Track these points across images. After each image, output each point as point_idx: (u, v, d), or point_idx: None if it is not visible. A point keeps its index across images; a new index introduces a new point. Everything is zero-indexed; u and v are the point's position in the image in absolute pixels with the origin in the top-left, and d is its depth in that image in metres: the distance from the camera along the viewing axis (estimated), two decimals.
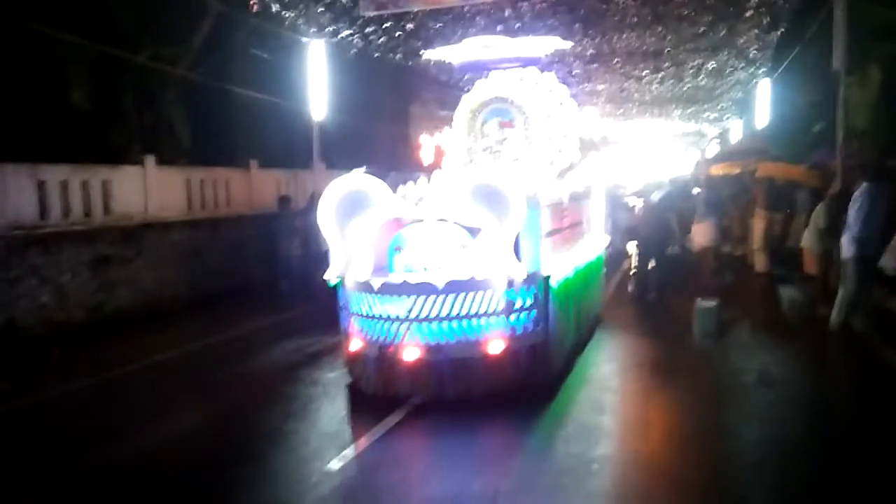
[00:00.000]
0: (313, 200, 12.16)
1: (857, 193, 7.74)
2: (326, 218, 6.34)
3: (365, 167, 6.82)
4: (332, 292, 6.77)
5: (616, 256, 12.82)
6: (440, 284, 5.87)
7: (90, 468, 5.09)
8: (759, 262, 12.92)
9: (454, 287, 5.90)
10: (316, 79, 13.20)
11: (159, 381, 7.44)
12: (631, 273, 11.96)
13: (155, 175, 11.64)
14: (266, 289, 11.64)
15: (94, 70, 12.08)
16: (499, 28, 13.18)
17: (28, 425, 6.18)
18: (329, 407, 6.25)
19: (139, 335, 9.57)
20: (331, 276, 6.46)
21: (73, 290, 9.85)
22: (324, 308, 9.06)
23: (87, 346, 9.08)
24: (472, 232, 6.21)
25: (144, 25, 12.22)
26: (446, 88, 20.98)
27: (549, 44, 8.53)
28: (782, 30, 14.99)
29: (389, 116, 21.95)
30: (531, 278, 6.11)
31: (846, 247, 7.58)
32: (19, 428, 6.12)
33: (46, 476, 4.99)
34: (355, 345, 6.37)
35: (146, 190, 11.44)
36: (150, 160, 11.60)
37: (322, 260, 10.18)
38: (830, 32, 11.43)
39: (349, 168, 6.56)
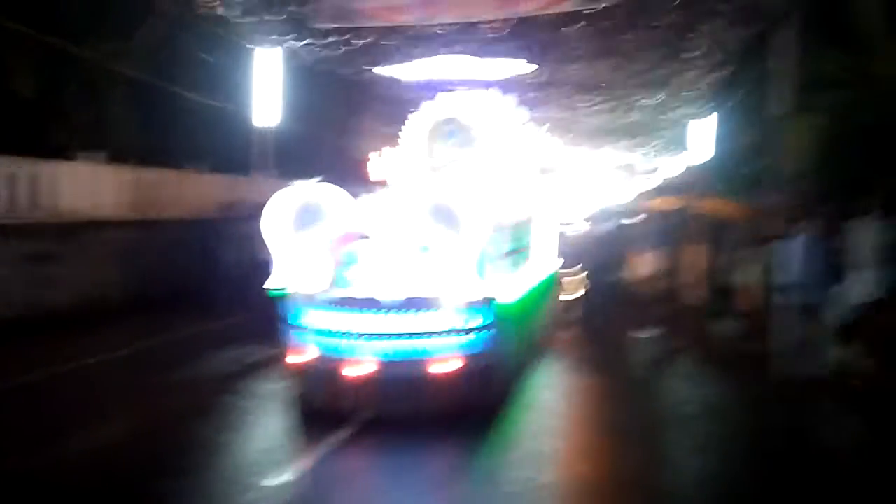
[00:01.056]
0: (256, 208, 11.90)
1: (796, 239, 7.78)
2: (273, 226, 6.19)
3: (316, 177, 6.68)
4: (271, 302, 6.57)
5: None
6: (395, 301, 5.78)
7: (6, 473, 4.79)
8: (694, 296, 13.26)
9: (408, 304, 5.82)
10: (265, 86, 13.01)
11: (88, 385, 7.10)
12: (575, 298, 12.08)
13: (95, 173, 11.25)
14: (204, 294, 11.28)
15: (39, 61, 11.55)
16: (456, 48, 13.27)
17: None
18: (267, 421, 6.05)
19: (72, 335, 9.16)
20: (272, 286, 6.29)
21: (4, 286, 9.41)
22: (262, 317, 8.77)
23: (16, 343, 8.56)
24: (427, 249, 6.14)
25: (93, 19, 11.74)
26: (396, 104, 20.95)
27: (512, 67, 8.61)
28: (726, 71, 15.59)
29: (337, 128, 21.70)
30: (485, 299, 6.08)
31: (785, 293, 7.60)
32: None
33: None
34: (301, 358, 6.19)
35: (85, 187, 11.01)
36: (92, 157, 11.22)
37: (262, 268, 9.99)
38: (771, 76, 11.95)
39: (294, 177, 6.42)
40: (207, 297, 11.17)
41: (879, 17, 10.73)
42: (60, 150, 11.29)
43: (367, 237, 6.32)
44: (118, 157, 12.10)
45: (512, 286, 6.80)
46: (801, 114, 11.99)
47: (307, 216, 6.18)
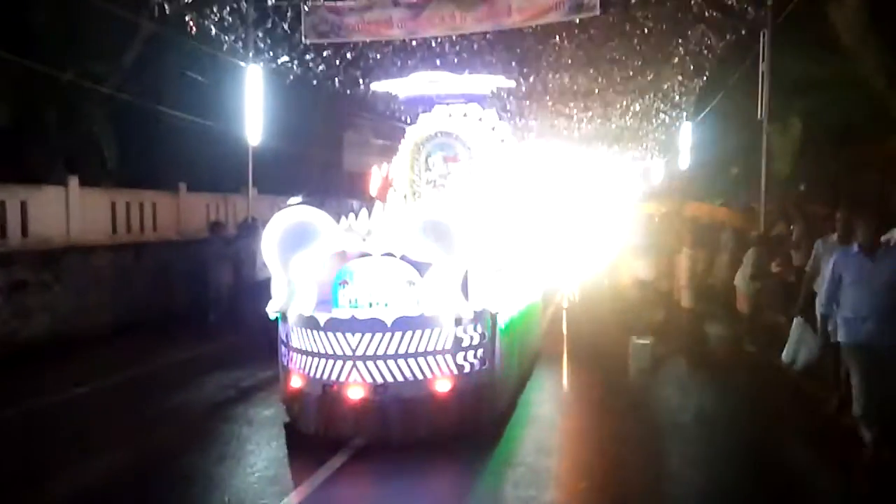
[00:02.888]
0: (245, 227, 11.83)
1: (822, 252, 6.49)
2: (270, 249, 6.14)
3: (300, 194, 6.64)
4: (263, 323, 6.51)
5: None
6: (389, 321, 5.74)
7: None
8: (686, 298, 13.32)
9: (402, 324, 5.77)
10: (251, 102, 12.91)
11: (77, 417, 6.93)
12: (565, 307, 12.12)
13: (78, 196, 11.10)
14: (194, 317, 11.19)
15: (15, 85, 11.41)
16: (438, 62, 13.32)
17: None
18: (266, 448, 5.95)
19: (57, 365, 8.99)
20: (272, 310, 6.24)
21: None
22: (255, 339, 8.81)
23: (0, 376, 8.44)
24: (420, 267, 6.12)
25: (72, 41, 11.67)
26: (381, 117, 21.02)
27: (494, 82, 8.66)
28: (711, 76, 15.73)
29: (322, 142, 21.74)
30: (479, 316, 6.05)
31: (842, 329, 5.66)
32: None
33: None
34: (296, 382, 6.13)
35: (68, 212, 10.91)
36: (73, 181, 11.05)
37: (253, 289, 9.93)
38: (751, 82, 12.08)
39: (281, 193, 6.35)
40: (197, 319, 11.07)
41: (856, 23, 10.90)
42: (38, 175, 11.16)
43: (365, 255, 6.30)
44: (99, 179, 12.00)
45: (506, 300, 6.79)
46: (781, 117, 12.18)
47: (300, 237, 6.13)
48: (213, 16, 11.02)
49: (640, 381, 8.26)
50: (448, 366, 5.89)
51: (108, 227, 11.85)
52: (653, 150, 26.79)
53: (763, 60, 11.22)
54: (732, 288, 10.67)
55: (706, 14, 12.09)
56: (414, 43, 12.59)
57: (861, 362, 5.43)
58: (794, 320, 6.48)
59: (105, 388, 7.95)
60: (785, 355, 6.55)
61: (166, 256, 12.50)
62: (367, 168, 22.57)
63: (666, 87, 17.34)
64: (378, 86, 8.91)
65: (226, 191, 14.63)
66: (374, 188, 8.73)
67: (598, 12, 10.77)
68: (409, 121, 8.38)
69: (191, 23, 10.69)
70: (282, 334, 6.34)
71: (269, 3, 11.58)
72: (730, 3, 11.46)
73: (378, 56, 13.35)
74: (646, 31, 13.00)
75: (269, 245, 6.12)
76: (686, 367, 9.03)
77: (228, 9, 11.33)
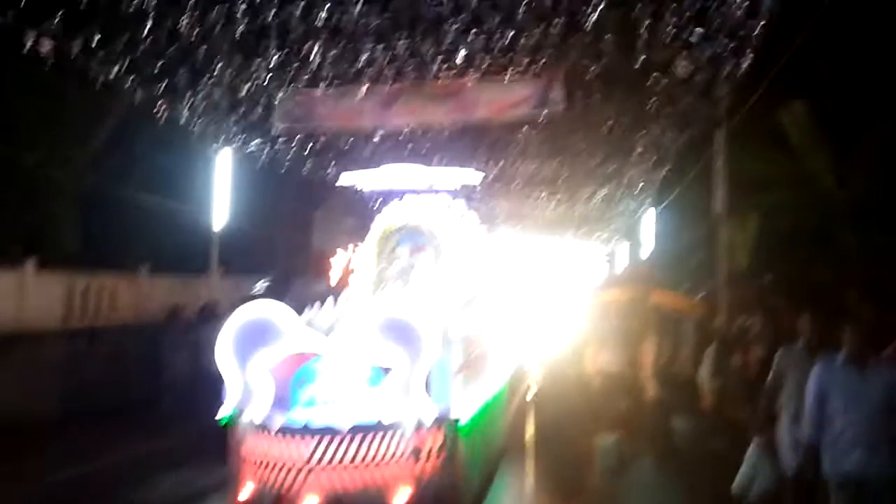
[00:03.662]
0: (204, 312, 11.59)
1: (786, 363, 5.70)
2: (225, 350, 5.94)
3: (267, 276, 6.52)
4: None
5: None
6: (346, 426, 5.56)
7: None
8: (650, 388, 13.24)
9: (360, 430, 5.60)
10: (219, 184, 12.92)
11: None
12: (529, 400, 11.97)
13: (33, 280, 10.85)
14: (148, 407, 10.80)
15: None
16: (409, 147, 13.53)
17: None
18: None
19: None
20: (223, 414, 6.00)
21: None
22: (210, 432, 8.42)
23: None
24: (382, 367, 5.98)
25: (39, 123, 11.65)
26: (351, 198, 21.13)
27: (463, 177, 8.77)
28: (672, 168, 16.25)
29: (290, 223, 21.72)
30: (440, 419, 5.90)
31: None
32: None
33: None
34: (247, 490, 5.84)
35: (22, 295, 10.62)
36: (29, 264, 10.82)
37: (211, 379, 9.64)
38: (710, 177, 12.51)
39: (247, 275, 6.20)
40: (151, 409, 10.68)
41: (804, 126, 11.46)
42: None
43: (319, 356, 6.14)
44: (59, 261, 11.76)
45: (469, 401, 6.65)
46: (736, 213, 12.60)
47: (258, 336, 5.97)
48: (183, 102, 11.08)
49: (606, 482, 8.09)
50: (407, 474, 5.69)
51: (63, 312, 11.56)
52: (618, 235, 27.23)
53: (717, 158, 11.63)
54: (695, 380, 10.65)
55: (666, 111, 12.56)
56: (380, 132, 12.77)
57: (846, 499, 4.62)
58: (751, 445, 5.95)
59: (48, 485, 7.54)
60: (736, 485, 5.88)
61: (123, 341, 12.19)
62: (336, 248, 22.56)
63: (629, 176, 17.80)
64: (347, 178, 8.97)
65: (192, 272, 14.42)
66: (335, 274, 8.68)
67: (563, 107, 11.09)
68: (380, 200, 8.39)
69: (161, 109, 10.72)
70: (233, 439, 6.09)
71: (242, 90, 11.72)
72: (688, 102, 11.92)
73: (349, 140, 13.51)
74: (609, 124, 13.43)
75: (225, 345, 5.92)
76: (652, 466, 8.89)
77: (200, 95, 11.43)
